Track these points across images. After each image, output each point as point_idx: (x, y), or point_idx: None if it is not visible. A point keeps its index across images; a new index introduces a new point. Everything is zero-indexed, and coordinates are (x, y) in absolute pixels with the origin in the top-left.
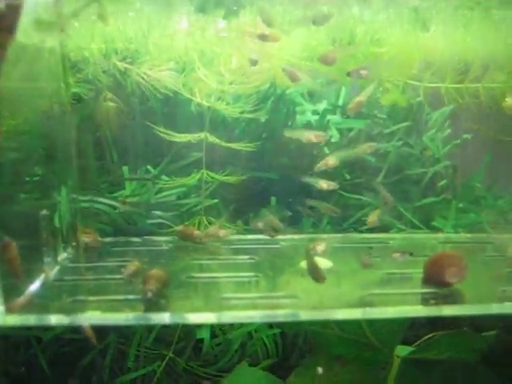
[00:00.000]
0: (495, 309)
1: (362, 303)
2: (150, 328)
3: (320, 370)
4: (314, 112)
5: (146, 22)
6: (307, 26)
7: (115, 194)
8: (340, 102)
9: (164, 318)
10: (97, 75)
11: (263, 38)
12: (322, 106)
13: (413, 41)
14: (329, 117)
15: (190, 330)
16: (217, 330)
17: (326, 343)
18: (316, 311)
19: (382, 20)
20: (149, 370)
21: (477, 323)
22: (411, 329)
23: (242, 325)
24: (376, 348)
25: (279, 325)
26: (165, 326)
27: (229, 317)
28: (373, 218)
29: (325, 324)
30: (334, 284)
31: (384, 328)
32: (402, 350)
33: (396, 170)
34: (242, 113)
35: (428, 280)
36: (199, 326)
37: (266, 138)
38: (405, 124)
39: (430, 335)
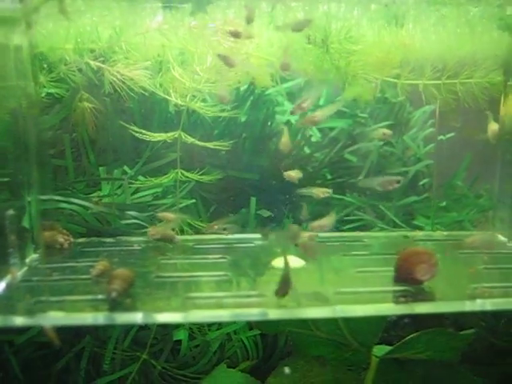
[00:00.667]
0: (467, 306)
1: (333, 301)
2: (126, 330)
3: (287, 369)
4: None
5: (118, 19)
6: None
7: (93, 195)
8: (321, 102)
9: (128, 317)
10: (71, 75)
11: (236, 35)
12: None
13: (388, 37)
14: None
15: (167, 331)
16: (195, 331)
17: (304, 344)
18: (285, 310)
19: (356, 17)
20: (125, 372)
21: (460, 322)
22: (394, 329)
23: (220, 326)
24: (355, 348)
25: (258, 326)
26: (142, 328)
27: (195, 316)
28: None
29: (303, 325)
30: (305, 283)
31: (362, 328)
32: (380, 350)
33: (377, 169)
34: (221, 111)
35: (399, 278)
36: (177, 328)
37: (245, 137)
38: (386, 123)
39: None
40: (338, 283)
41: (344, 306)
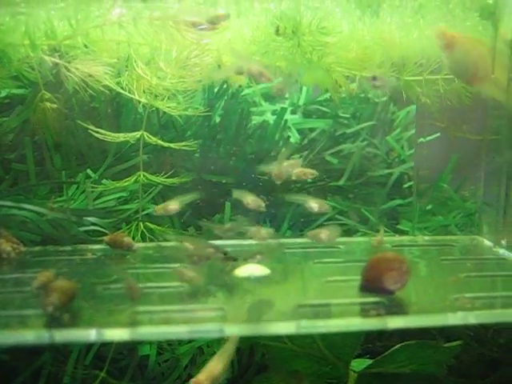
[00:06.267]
0: (447, 320)
1: (297, 315)
2: (88, 345)
3: None
4: (274, 112)
5: (72, 11)
6: None
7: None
8: (301, 102)
9: (65, 335)
10: (30, 73)
11: (199, 27)
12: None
13: (364, 29)
14: (287, 117)
15: (134, 346)
16: (164, 345)
17: (280, 358)
18: (244, 325)
19: (329, 6)
20: None
21: (447, 331)
22: (380, 339)
23: (191, 339)
24: (334, 362)
25: None
26: (105, 344)
27: (143, 333)
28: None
29: (277, 338)
30: (268, 294)
31: (338, 341)
32: (360, 364)
33: (360, 171)
34: (185, 110)
35: (366, 287)
36: (141, 342)
37: (220, 139)
38: (369, 123)
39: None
40: (304, 294)
41: (309, 320)
